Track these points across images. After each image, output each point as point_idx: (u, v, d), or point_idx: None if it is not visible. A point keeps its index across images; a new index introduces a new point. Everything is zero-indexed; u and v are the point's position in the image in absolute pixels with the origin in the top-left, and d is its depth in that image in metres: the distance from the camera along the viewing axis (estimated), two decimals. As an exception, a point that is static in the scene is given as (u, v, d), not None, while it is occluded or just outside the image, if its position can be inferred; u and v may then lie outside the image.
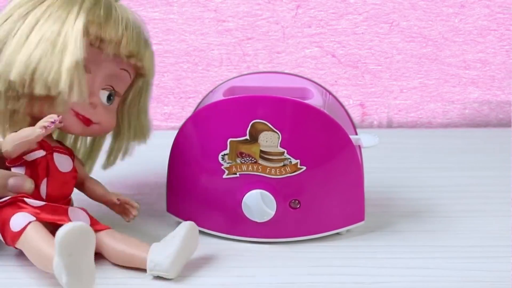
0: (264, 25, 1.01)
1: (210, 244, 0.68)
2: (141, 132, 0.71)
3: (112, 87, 0.66)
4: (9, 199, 0.62)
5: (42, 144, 0.64)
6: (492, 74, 1.05)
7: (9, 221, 0.61)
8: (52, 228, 0.62)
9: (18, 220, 0.61)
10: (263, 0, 1.01)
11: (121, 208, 0.68)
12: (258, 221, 0.67)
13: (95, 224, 0.64)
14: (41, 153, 0.64)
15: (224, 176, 0.67)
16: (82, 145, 0.74)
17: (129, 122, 0.70)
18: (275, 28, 1.02)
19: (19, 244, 0.61)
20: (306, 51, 1.03)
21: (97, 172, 0.73)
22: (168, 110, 1.04)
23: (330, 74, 1.04)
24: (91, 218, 0.65)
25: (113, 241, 0.63)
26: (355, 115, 1.04)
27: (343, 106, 0.74)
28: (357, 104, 1.05)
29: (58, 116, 0.61)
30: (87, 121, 0.65)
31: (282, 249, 0.67)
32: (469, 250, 0.67)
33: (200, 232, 0.65)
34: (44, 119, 0.61)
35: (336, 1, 1.01)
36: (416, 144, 0.96)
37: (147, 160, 0.87)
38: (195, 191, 0.68)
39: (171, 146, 0.69)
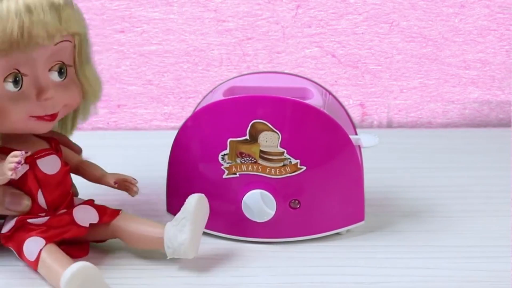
0: (264, 25, 1.01)
1: (210, 244, 0.68)
2: (93, 87, 0.66)
3: (59, 61, 0.63)
4: (15, 224, 0.62)
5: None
6: (492, 74, 1.05)
7: (23, 249, 0.61)
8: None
9: (31, 248, 0.61)
10: (263, 0, 1.01)
11: (121, 186, 0.68)
12: (258, 221, 0.67)
13: (104, 215, 0.64)
14: (24, 168, 0.62)
15: (224, 176, 0.67)
16: (69, 118, 0.70)
17: (80, 81, 0.65)
18: (275, 28, 1.01)
19: (40, 271, 0.61)
20: (306, 51, 1.02)
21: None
22: (168, 110, 1.04)
23: (330, 74, 1.03)
24: (98, 209, 0.65)
25: (127, 225, 0.64)
26: (355, 115, 1.04)
27: (343, 106, 0.74)
28: (357, 104, 1.05)
29: (21, 152, 0.59)
30: (53, 117, 0.62)
31: (282, 249, 0.67)
32: (469, 250, 0.67)
33: (200, 232, 0.66)
34: (9, 159, 0.59)
35: (336, 1, 1.01)
36: (416, 144, 0.96)
37: (147, 160, 0.87)
38: (195, 191, 0.68)
39: (171, 146, 0.69)
